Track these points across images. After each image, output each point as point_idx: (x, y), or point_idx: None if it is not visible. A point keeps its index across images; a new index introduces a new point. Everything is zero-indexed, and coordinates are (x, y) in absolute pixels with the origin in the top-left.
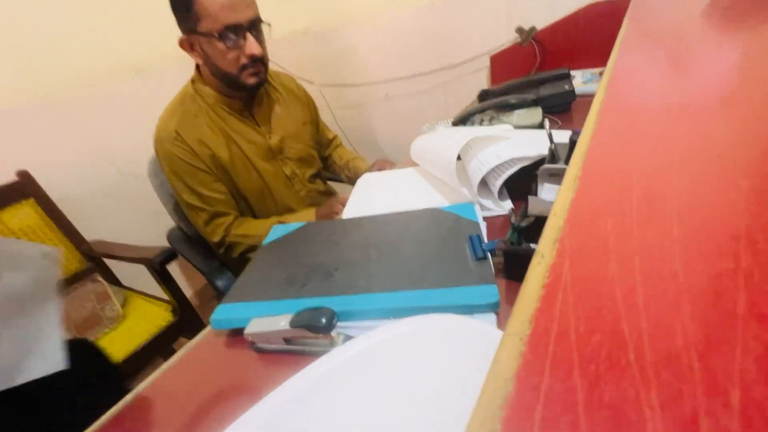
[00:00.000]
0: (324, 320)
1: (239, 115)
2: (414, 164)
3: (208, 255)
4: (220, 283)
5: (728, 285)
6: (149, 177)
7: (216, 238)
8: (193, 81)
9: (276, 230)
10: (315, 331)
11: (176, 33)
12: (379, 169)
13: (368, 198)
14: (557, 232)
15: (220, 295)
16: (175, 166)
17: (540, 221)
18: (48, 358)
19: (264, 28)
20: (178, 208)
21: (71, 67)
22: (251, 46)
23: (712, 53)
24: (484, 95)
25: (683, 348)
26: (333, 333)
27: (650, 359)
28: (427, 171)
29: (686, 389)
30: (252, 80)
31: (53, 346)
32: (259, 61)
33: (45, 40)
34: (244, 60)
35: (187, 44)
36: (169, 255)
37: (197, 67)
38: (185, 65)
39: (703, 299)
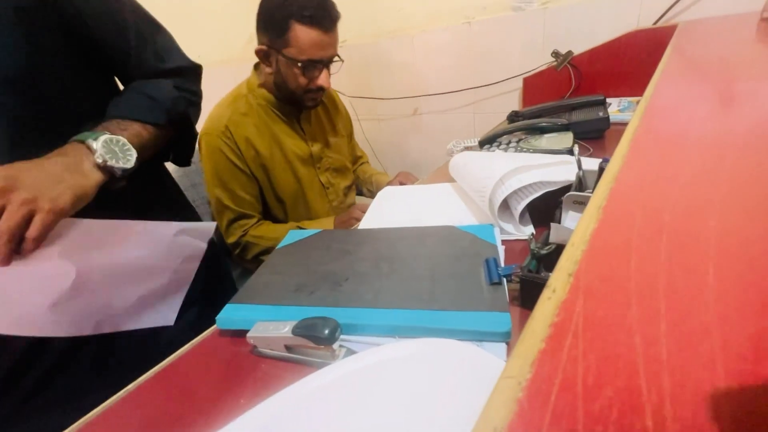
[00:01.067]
0: (327, 331)
1: (287, 119)
2: (435, 180)
3: (230, 261)
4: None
5: None
6: (178, 180)
7: (233, 239)
8: (248, 82)
9: (292, 235)
10: (317, 341)
11: (217, 45)
12: (401, 183)
13: (387, 211)
14: (573, 265)
15: None
16: (217, 160)
17: (561, 250)
18: (162, 315)
19: (337, 63)
20: (203, 215)
21: None
22: (324, 79)
23: (761, 88)
24: (514, 117)
25: (714, 420)
26: (335, 345)
27: (672, 428)
28: (458, 188)
29: None
30: (311, 104)
31: (171, 307)
32: (322, 90)
33: None
34: (312, 86)
35: (262, 54)
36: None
37: (255, 67)
38: (223, 71)
39: (743, 361)
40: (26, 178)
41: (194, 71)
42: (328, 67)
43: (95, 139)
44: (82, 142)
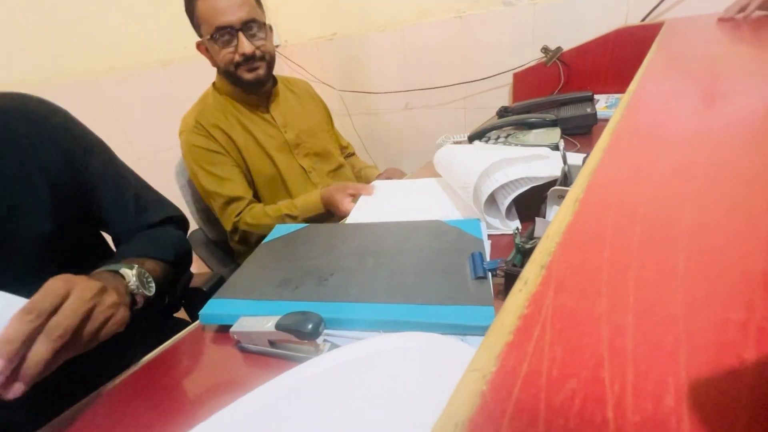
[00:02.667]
0: (310, 326)
1: (255, 109)
2: (425, 175)
3: (226, 260)
4: None
5: (736, 338)
6: (175, 177)
7: (229, 226)
8: (214, 83)
9: (278, 229)
10: (300, 336)
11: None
12: (388, 178)
13: (375, 205)
14: (546, 257)
15: None
16: (195, 154)
17: None
18: None
19: (262, 27)
20: (200, 210)
21: (106, 54)
22: (242, 45)
23: (740, 86)
24: (503, 112)
25: (674, 411)
26: (319, 340)
27: (632, 420)
28: (446, 182)
29: None
30: (248, 76)
31: None
32: (260, 59)
33: (84, 26)
34: (237, 58)
35: (203, 48)
36: (219, 282)
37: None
38: (208, 62)
39: (705, 352)
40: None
41: (183, 220)
42: (244, 32)
43: (130, 268)
44: (116, 272)
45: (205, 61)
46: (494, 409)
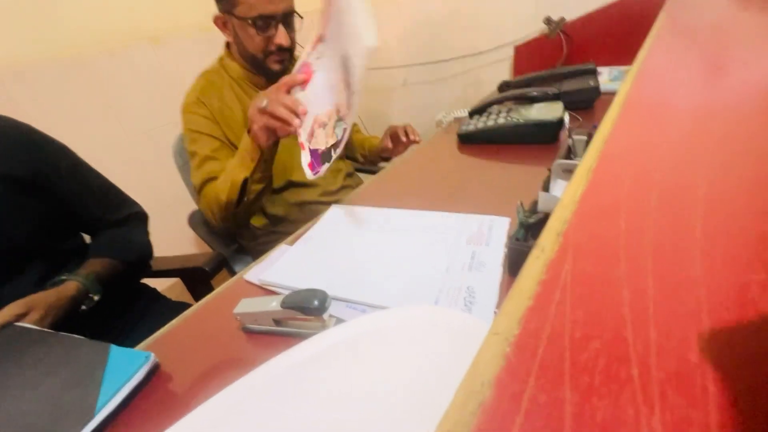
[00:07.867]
0: (316, 302)
1: (261, 90)
2: (425, 149)
3: (227, 239)
4: (237, 267)
5: (757, 298)
6: (173, 156)
7: (198, 181)
8: (221, 58)
9: None
10: (307, 312)
11: (195, 7)
12: (392, 136)
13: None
14: (562, 225)
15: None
16: (191, 121)
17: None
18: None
19: (296, 19)
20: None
21: (94, 31)
22: (281, 36)
23: (751, 53)
24: (504, 86)
25: (697, 367)
26: (324, 316)
27: (656, 376)
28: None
29: (696, 417)
30: (276, 66)
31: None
32: (286, 50)
33: (69, 2)
34: (271, 47)
35: (221, 22)
36: (221, 261)
37: (227, 45)
38: (200, 39)
39: (726, 311)
40: None
41: (145, 215)
42: (284, 24)
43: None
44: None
45: (196, 39)
46: (519, 369)
